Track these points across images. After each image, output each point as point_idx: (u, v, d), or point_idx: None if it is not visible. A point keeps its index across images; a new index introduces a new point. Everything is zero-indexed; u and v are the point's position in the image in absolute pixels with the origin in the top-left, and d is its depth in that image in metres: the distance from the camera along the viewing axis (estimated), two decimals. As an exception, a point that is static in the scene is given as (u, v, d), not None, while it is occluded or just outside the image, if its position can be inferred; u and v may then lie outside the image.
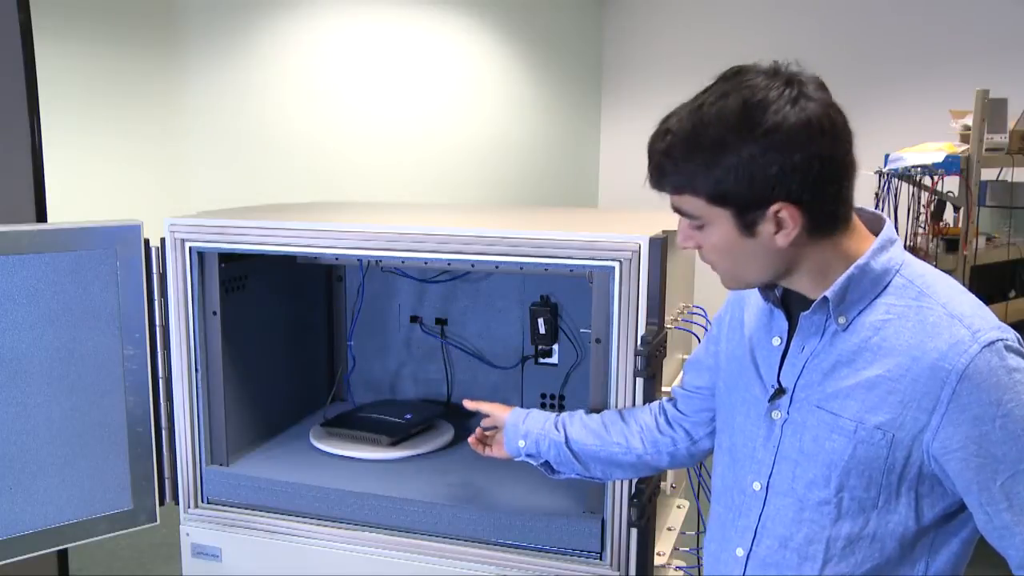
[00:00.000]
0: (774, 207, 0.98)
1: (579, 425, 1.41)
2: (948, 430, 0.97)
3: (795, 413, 1.08)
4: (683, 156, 0.99)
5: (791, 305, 1.11)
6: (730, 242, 1.02)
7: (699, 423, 1.34)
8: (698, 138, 0.98)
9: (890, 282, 1.03)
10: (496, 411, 1.50)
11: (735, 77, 0.99)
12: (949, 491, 1.02)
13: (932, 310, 1.00)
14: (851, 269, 1.02)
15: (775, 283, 1.10)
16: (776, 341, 1.12)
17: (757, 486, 1.13)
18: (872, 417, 1.01)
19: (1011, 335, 0.98)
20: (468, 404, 1.55)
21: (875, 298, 1.03)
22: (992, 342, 0.96)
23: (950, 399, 0.96)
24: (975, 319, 0.98)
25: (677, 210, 1.05)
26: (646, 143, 1.03)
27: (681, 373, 1.40)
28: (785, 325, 1.11)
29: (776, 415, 1.10)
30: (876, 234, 1.06)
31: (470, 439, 1.55)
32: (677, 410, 1.36)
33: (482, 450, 1.53)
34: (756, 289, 1.14)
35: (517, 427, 1.44)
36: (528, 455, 1.43)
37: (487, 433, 1.53)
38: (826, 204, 1.00)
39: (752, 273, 1.07)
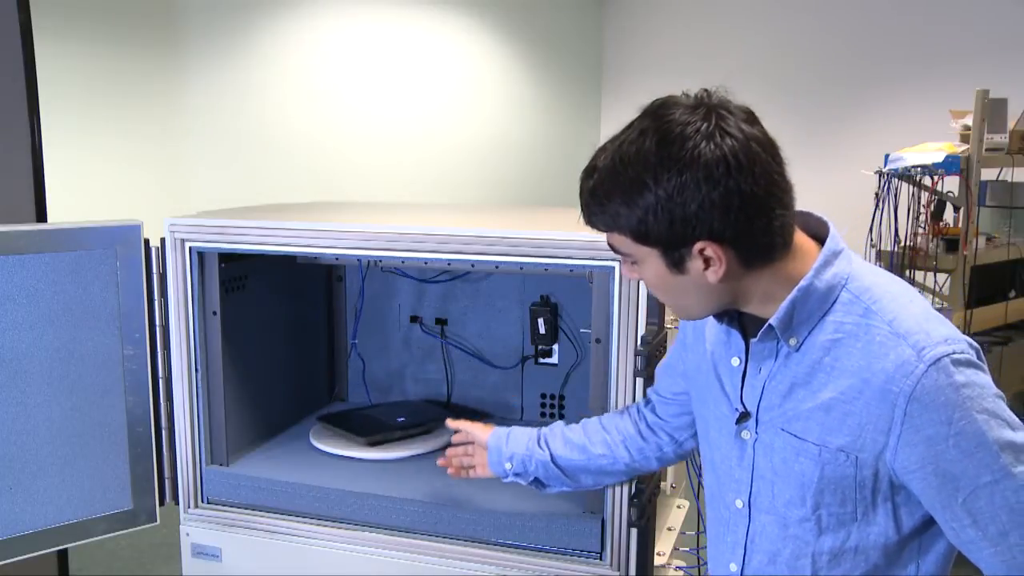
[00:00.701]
0: (697, 245, 0.96)
1: (561, 441, 1.41)
2: (905, 451, 0.97)
3: (763, 434, 1.08)
4: (605, 195, 0.98)
5: (747, 324, 1.09)
6: (663, 279, 1.02)
7: (680, 427, 1.34)
8: (617, 178, 0.96)
9: (837, 298, 1.01)
10: (475, 431, 1.49)
11: (656, 111, 0.97)
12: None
13: (878, 328, 0.98)
14: (793, 292, 1.00)
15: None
16: (735, 361, 1.11)
17: (739, 504, 1.13)
18: (833, 439, 1.01)
19: (959, 346, 0.96)
20: (450, 423, 1.55)
21: (824, 316, 1.01)
22: (937, 359, 0.94)
23: (903, 421, 0.96)
24: (920, 336, 0.96)
25: (611, 247, 1.04)
26: None
27: (655, 378, 1.39)
28: (742, 345, 1.10)
29: (746, 435, 1.10)
30: (822, 243, 1.03)
31: (440, 462, 1.54)
32: (656, 416, 1.36)
33: (456, 473, 1.52)
34: None
35: (501, 450, 1.44)
36: (516, 475, 1.43)
37: (457, 450, 1.53)
38: (755, 238, 0.97)
39: (695, 307, 1.06)
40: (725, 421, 1.13)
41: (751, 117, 0.97)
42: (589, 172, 1.00)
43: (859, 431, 0.99)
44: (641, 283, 1.45)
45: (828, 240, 1.03)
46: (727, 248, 0.96)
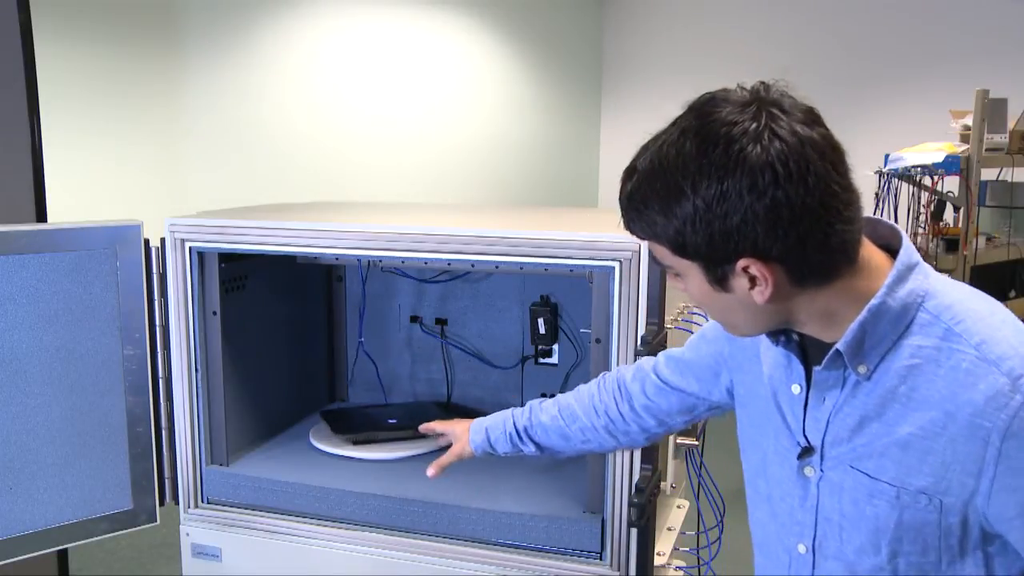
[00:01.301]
0: (741, 263, 0.85)
1: (541, 431, 1.36)
2: (1001, 496, 0.83)
3: (829, 472, 0.96)
4: (642, 201, 0.88)
5: (808, 347, 0.97)
6: (707, 295, 0.92)
7: (673, 413, 1.24)
8: (655, 183, 0.86)
9: (913, 319, 0.88)
10: (451, 426, 1.47)
11: (701, 108, 0.87)
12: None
13: (964, 353, 0.85)
14: (863, 313, 0.87)
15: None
16: (796, 389, 0.98)
17: (802, 549, 1.01)
18: (913, 480, 0.88)
19: None
20: (423, 428, 1.52)
21: (898, 339, 0.88)
22: None
23: (997, 461, 0.83)
24: (1015, 361, 0.83)
25: (652, 257, 0.97)
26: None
27: (659, 358, 1.27)
28: (803, 371, 0.97)
29: (809, 472, 0.98)
30: (894, 255, 0.91)
31: (430, 474, 1.45)
32: (648, 398, 1.25)
33: (436, 473, 1.45)
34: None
35: (479, 431, 1.41)
36: (493, 447, 1.40)
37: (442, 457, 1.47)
38: (807, 255, 0.84)
39: (744, 326, 0.95)
40: (786, 455, 1.00)
41: (811, 117, 0.85)
42: (628, 174, 0.91)
43: (943, 472, 0.86)
44: (641, 283, 1.45)
45: (901, 252, 0.90)
46: (775, 266, 0.85)
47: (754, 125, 0.82)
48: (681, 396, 1.23)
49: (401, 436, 1.91)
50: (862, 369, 0.90)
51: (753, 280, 0.86)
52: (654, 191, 0.86)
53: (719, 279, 0.88)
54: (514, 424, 1.39)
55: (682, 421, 1.26)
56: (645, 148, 0.90)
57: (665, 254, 0.91)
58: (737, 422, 1.14)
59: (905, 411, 0.88)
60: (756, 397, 1.06)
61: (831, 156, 0.84)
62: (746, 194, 0.81)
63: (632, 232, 0.93)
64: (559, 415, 1.35)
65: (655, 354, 1.31)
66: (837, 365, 0.92)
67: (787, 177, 0.81)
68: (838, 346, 0.89)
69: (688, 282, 0.93)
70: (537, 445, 1.37)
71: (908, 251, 0.91)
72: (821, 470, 0.96)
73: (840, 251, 0.86)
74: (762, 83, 0.87)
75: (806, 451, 0.98)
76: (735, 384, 1.13)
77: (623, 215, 0.93)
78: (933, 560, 0.90)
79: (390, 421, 1.98)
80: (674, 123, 0.88)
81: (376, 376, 2.21)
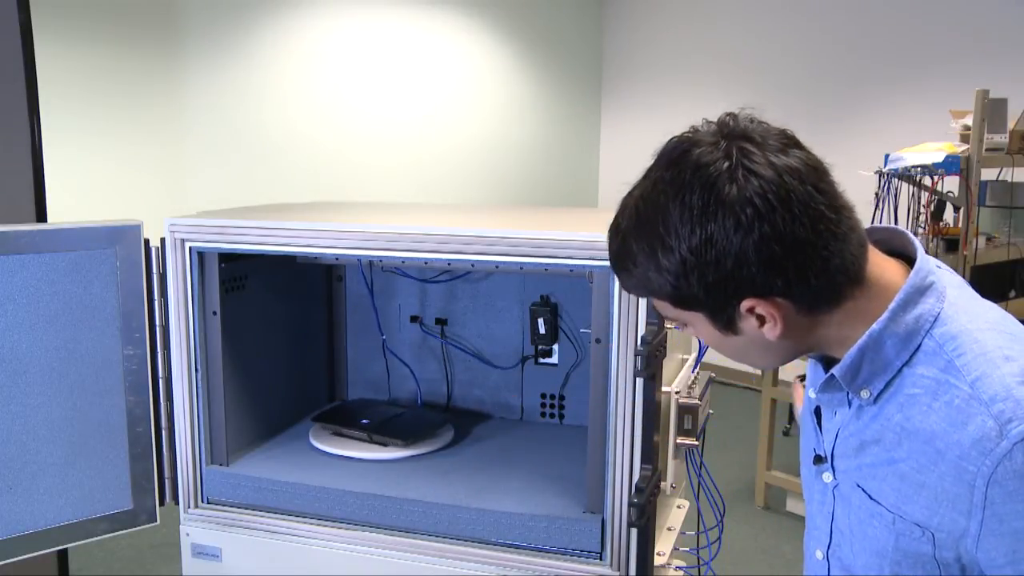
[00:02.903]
0: (745, 304, 0.83)
1: None
2: (990, 540, 0.81)
3: (841, 483, 0.96)
4: (632, 261, 0.86)
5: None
6: (719, 340, 0.90)
7: None
8: (639, 241, 0.84)
9: (920, 346, 0.85)
10: None
11: (671, 154, 0.84)
12: None
13: (959, 389, 0.82)
14: (863, 338, 0.85)
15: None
16: (812, 393, 0.99)
17: (819, 555, 1.01)
18: (909, 510, 0.86)
19: None
20: None
21: (904, 365, 0.85)
22: None
23: (983, 506, 0.80)
24: (1007, 404, 0.79)
25: (655, 312, 0.96)
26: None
27: None
28: (822, 376, 0.95)
29: (827, 478, 0.98)
30: (910, 264, 0.88)
31: None
32: None
33: None
34: None
35: None
36: None
37: None
38: (810, 283, 0.82)
39: (764, 361, 0.94)
40: (810, 458, 1.01)
41: (785, 142, 0.83)
42: (614, 233, 0.89)
43: (935, 506, 0.84)
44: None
45: (913, 274, 0.87)
46: (780, 302, 0.83)
47: (727, 164, 0.79)
48: None
49: (375, 440, 1.90)
50: (864, 394, 0.89)
51: (761, 319, 0.85)
52: (640, 249, 0.84)
53: (726, 324, 0.87)
54: None
55: None
56: (624, 204, 0.88)
57: (667, 307, 0.90)
58: None
59: (899, 440, 0.86)
60: (807, 400, 1.06)
61: (812, 178, 0.81)
62: (732, 235, 0.79)
63: (630, 291, 0.92)
64: None
65: (654, 353, 1.28)
66: (833, 387, 0.91)
67: (771, 210, 0.78)
68: (834, 371, 0.89)
69: (697, 330, 0.91)
70: None
71: (921, 272, 0.87)
72: (836, 479, 0.96)
73: (842, 272, 0.83)
74: (728, 115, 0.85)
75: (819, 459, 0.98)
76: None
77: (617, 276, 0.91)
78: None
79: (363, 422, 1.97)
80: (646, 174, 0.86)
81: (413, 375, 2.21)
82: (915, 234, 3.45)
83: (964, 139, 3.54)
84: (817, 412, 1.00)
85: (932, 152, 3.38)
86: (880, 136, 5.05)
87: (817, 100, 5.90)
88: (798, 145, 0.83)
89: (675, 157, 0.83)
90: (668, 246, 0.81)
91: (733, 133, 0.82)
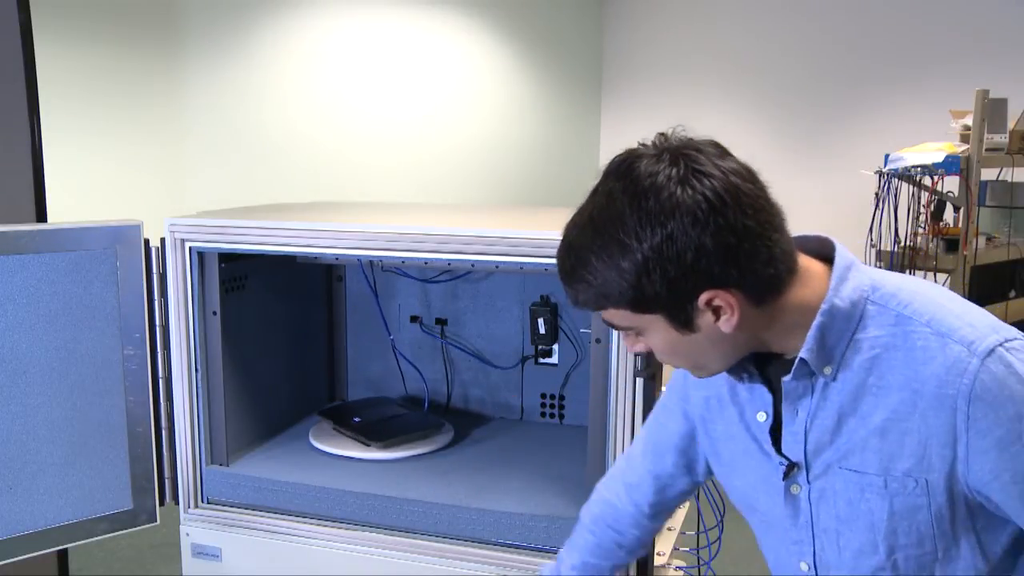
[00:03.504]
0: (703, 297, 0.88)
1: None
2: (977, 459, 0.87)
3: (817, 482, 0.98)
4: (588, 271, 0.90)
5: (771, 372, 1.01)
6: (674, 343, 0.94)
7: (685, 493, 1.27)
8: (598, 249, 0.89)
9: (863, 313, 0.93)
10: None
11: (618, 170, 0.90)
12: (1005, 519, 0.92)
13: (917, 332, 0.89)
14: (818, 317, 0.92)
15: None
16: (761, 417, 1.02)
17: (805, 567, 1.03)
18: (897, 465, 0.91)
19: (1010, 332, 0.88)
20: None
21: (853, 335, 0.93)
22: (991, 350, 0.86)
23: (967, 426, 0.86)
24: (966, 330, 0.88)
25: (609, 323, 0.97)
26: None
27: (644, 463, 1.26)
28: (769, 398, 1.01)
29: (796, 490, 1.00)
30: (829, 263, 0.96)
31: None
32: (664, 496, 1.26)
33: None
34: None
35: None
36: None
37: None
38: (759, 273, 0.89)
39: (714, 362, 0.97)
40: (770, 480, 1.03)
41: (721, 149, 0.91)
42: (565, 251, 0.93)
43: (922, 450, 0.89)
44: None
45: (837, 257, 0.95)
46: (734, 292, 0.89)
47: (675, 170, 0.86)
48: (685, 470, 1.23)
49: (363, 440, 1.89)
50: (827, 370, 0.94)
51: (717, 312, 0.90)
52: (599, 257, 0.89)
53: (684, 322, 0.91)
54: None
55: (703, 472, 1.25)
56: (572, 223, 0.93)
57: (624, 316, 0.93)
58: (716, 474, 1.17)
59: (877, 400, 0.92)
60: (732, 439, 1.09)
61: (750, 178, 0.89)
62: (691, 231, 0.85)
63: (585, 305, 0.94)
64: (597, 546, 1.31)
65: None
66: (804, 373, 0.95)
67: (723, 205, 0.85)
68: (801, 354, 0.93)
69: (652, 337, 0.95)
70: None
71: (842, 254, 0.96)
72: (808, 483, 0.99)
73: (783, 261, 0.90)
74: (661, 135, 0.92)
75: (790, 469, 1.00)
76: (702, 437, 1.16)
77: (571, 291, 0.94)
78: (929, 551, 0.93)
79: (355, 420, 1.97)
80: (594, 192, 0.92)
81: (423, 377, 2.21)
82: (915, 234, 3.48)
83: (964, 139, 3.54)
84: (774, 432, 1.02)
85: (932, 152, 3.38)
86: (880, 136, 5.05)
87: (817, 100, 5.90)
88: (729, 152, 0.91)
89: (623, 171, 0.89)
90: (630, 248, 0.87)
91: (672, 146, 0.89)
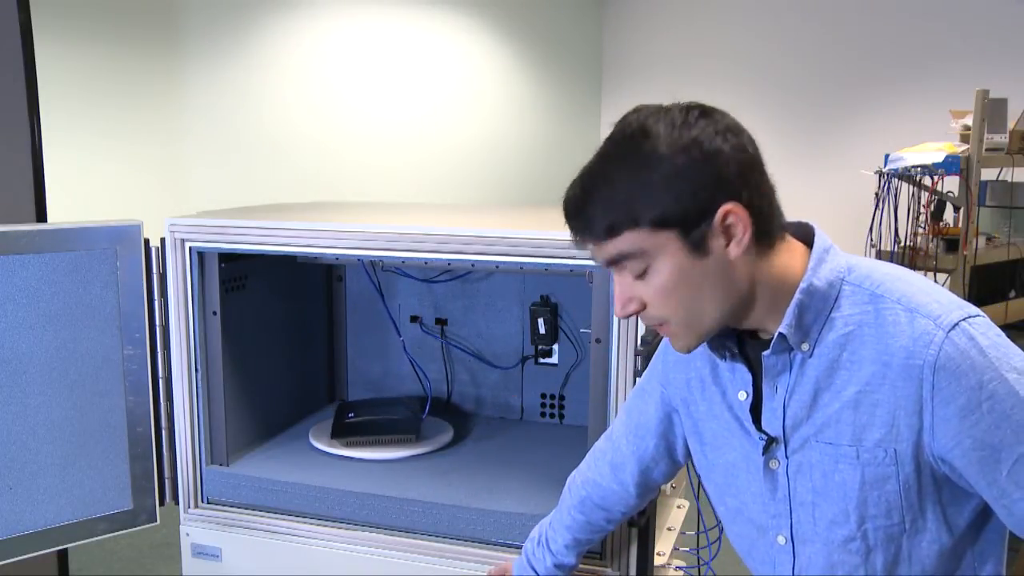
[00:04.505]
0: (723, 209, 0.92)
1: (575, 558, 1.40)
2: (941, 427, 0.92)
3: (795, 455, 1.03)
4: (613, 190, 0.93)
5: (749, 354, 1.06)
6: (683, 271, 0.94)
7: (668, 474, 1.30)
8: (623, 166, 0.92)
9: (839, 293, 0.98)
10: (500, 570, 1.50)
11: (626, 119, 0.97)
12: (968, 490, 0.96)
13: (889, 309, 0.95)
14: (797, 295, 0.97)
15: (731, 327, 1.03)
16: (742, 395, 1.06)
17: (782, 540, 1.07)
18: (868, 435, 0.96)
19: (973, 310, 0.94)
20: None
21: (829, 314, 0.98)
22: (955, 324, 0.91)
23: (932, 395, 0.91)
24: (933, 306, 0.94)
25: (613, 262, 0.97)
26: None
27: (628, 444, 1.29)
28: (748, 377, 1.05)
29: (774, 464, 1.05)
30: (809, 245, 1.01)
31: None
32: (644, 479, 1.30)
33: None
34: (708, 351, 1.08)
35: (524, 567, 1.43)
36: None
37: None
38: (764, 200, 0.95)
39: (710, 307, 0.98)
40: (752, 458, 1.07)
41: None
42: (581, 179, 0.96)
43: (891, 420, 0.94)
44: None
45: (816, 240, 1.01)
46: (747, 211, 0.93)
47: (681, 111, 0.94)
48: (668, 449, 1.27)
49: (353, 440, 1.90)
50: (804, 347, 0.99)
51: (729, 231, 0.93)
52: (623, 173, 0.93)
53: (697, 244, 0.93)
54: (544, 553, 1.40)
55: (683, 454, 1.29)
56: (584, 170, 0.97)
57: (639, 238, 0.94)
58: (693, 456, 1.21)
59: (850, 374, 0.97)
60: (715, 418, 1.13)
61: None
62: (715, 138, 0.91)
63: (591, 236, 0.96)
64: (584, 524, 1.37)
65: (654, 353, 1.31)
66: (782, 348, 1.00)
67: (738, 131, 0.94)
68: (780, 329, 0.98)
69: (659, 266, 0.95)
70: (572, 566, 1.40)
71: (821, 237, 1.01)
72: (786, 457, 1.04)
73: (777, 208, 0.97)
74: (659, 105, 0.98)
75: (770, 443, 1.04)
76: (684, 419, 1.19)
77: (580, 220, 0.96)
78: (897, 522, 0.98)
79: (349, 415, 1.97)
80: (609, 137, 0.97)
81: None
82: (915, 234, 3.48)
83: (964, 139, 3.53)
84: (754, 410, 1.06)
85: (932, 152, 3.37)
86: (880, 136, 5.06)
87: (817, 100, 5.90)
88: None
89: (631, 118, 0.96)
90: (655, 158, 0.91)
91: (676, 104, 0.96)
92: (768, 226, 0.96)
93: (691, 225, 0.92)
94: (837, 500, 1.00)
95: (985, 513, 0.99)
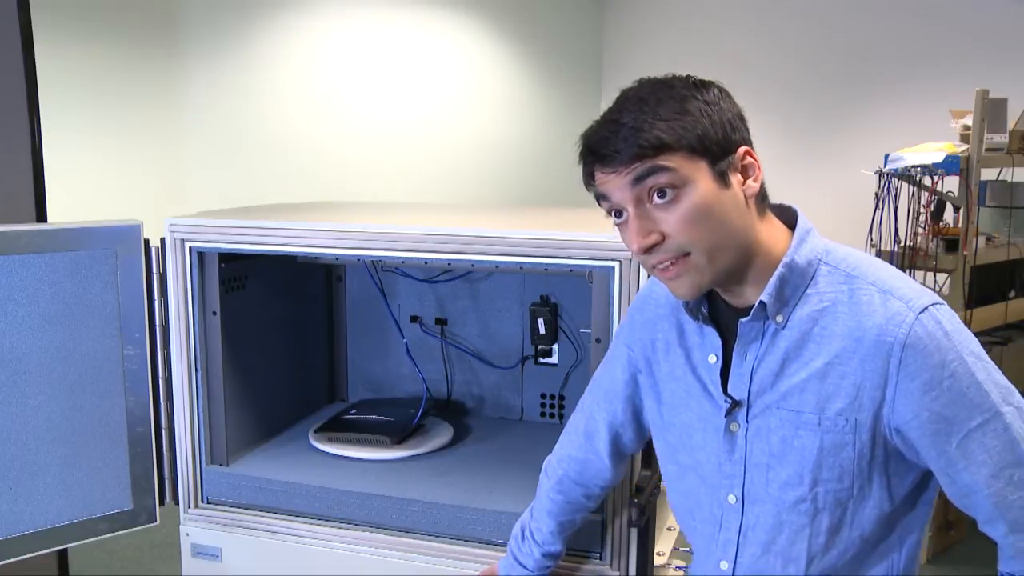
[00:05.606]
0: (742, 150, 1.02)
1: (561, 543, 1.41)
2: (902, 401, 0.99)
3: (755, 420, 1.08)
4: (651, 114, 0.99)
5: (720, 320, 1.12)
6: (711, 197, 0.99)
7: (636, 441, 1.33)
8: (657, 98, 1.00)
9: (816, 272, 1.05)
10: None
11: (639, 83, 1.06)
12: (913, 463, 1.05)
13: (863, 290, 1.02)
14: (780, 269, 1.04)
15: (715, 288, 1.08)
16: (712, 359, 1.12)
17: (732, 499, 1.12)
18: (831, 405, 1.03)
19: (938, 299, 1.02)
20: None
21: (805, 290, 1.05)
22: (925, 308, 1.00)
23: (898, 370, 0.99)
24: (905, 290, 1.02)
25: (642, 185, 0.99)
26: None
27: (599, 411, 1.32)
28: (719, 342, 1.11)
29: (735, 427, 1.10)
30: (791, 227, 1.08)
31: None
32: (616, 448, 1.33)
33: None
34: (682, 310, 1.14)
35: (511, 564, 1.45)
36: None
37: None
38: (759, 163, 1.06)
39: (730, 241, 1.01)
40: (711, 419, 1.12)
41: None
42: (614, 111, 1.02)
43: (856, 392, 1.01)
44: (641, 283, 1.44)
45: (799, 221, 1.08)
46: (757, 158, 1.03)
47: (684, 78, 1.05)
48: (636, 414, 1.30)
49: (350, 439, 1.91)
50: (779, 318, 1.05)
51: (745, 170, 1.02)
52: (665, 101, 1.00)
53: (721, 174, 1.00)
54: (529, 547, 1.43)
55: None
56: (614, 106, 1.04)
57: (676, 161, 0.98)
58: (648, 415, 1.26)
59: (820, 347, 1.03)
60: (675, 380, 1.18)
61: None
62: (721, 101, 1.02)
63: (633, 155, 0.98)
64: (562, 506, 1.40)
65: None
66: (761, 316, 1.05)
67: (731, 97, 1.05)
68: (761, 298, 1.04)
69: (689, 192, 0.99)
70: (557, 553, 1.43)
71: (803, 220, 1.09)
72: (747, 422, 1.09)
73: (763, 182, 1.05)
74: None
75: (733, 406, 1.09)
76: (645, 378, 1.24)
77: (626, 136, 0.98)
78: (846, 487, 1.05)
79: (351, 412, 1.97)
80: (627, 91, 1.06)
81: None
82: (915, 234, 3.48)
83: (964, 139, 3.53)
84: (723, 375, 1.11)
85: (932, 152, 3.37)
86: (880, 136, 5.05)
87: (817, 100, 5.90)
88: None
89: (644, 79, 1.06)
90: (687, 97, 1.00)
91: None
92: (763, 189, 1.05)
93: (718, 157, 1.00)
94: (793, 463, 1.06)
95: (921, 486, 1.08)
